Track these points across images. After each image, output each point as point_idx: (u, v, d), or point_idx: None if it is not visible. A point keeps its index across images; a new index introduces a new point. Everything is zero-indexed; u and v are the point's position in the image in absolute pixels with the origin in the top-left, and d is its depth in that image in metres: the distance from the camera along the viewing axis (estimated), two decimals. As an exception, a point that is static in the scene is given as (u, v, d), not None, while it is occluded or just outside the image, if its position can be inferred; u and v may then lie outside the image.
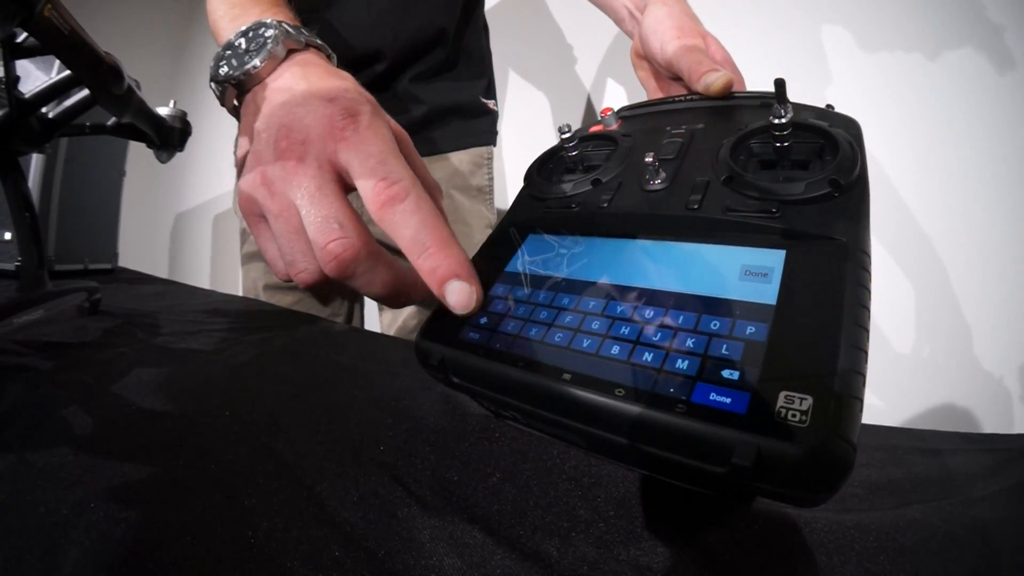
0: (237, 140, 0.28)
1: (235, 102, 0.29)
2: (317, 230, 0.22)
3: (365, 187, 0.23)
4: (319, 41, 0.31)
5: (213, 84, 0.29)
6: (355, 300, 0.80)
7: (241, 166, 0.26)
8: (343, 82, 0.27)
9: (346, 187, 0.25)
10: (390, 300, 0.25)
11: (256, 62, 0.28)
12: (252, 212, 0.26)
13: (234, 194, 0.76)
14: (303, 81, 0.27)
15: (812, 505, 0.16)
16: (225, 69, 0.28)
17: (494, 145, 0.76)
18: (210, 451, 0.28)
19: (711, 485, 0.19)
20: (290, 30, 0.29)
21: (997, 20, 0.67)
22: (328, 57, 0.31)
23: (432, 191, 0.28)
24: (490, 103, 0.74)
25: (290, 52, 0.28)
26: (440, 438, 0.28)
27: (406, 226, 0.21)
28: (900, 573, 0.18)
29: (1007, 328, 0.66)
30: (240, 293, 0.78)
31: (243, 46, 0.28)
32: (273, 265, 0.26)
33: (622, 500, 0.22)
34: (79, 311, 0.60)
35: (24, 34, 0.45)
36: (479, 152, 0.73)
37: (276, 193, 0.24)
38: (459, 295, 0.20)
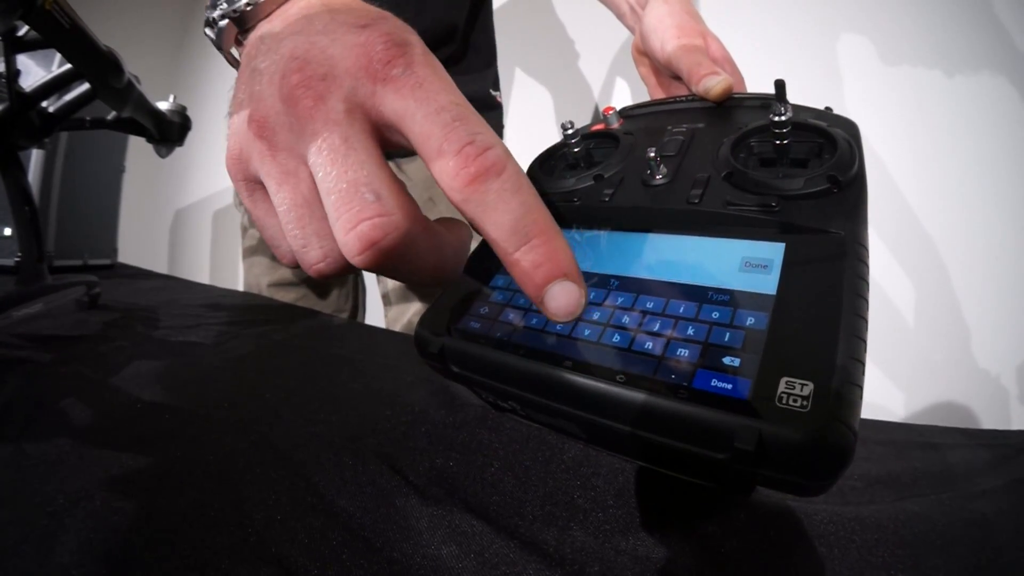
0: (233, 91, 0.21)
1: (235, 50, 0.24)
2: (341, 202, 0.16)
3: (441, 150, 0.16)
4: None
5: (207, 29, 0.24)
6: (358, 294, 0.79)
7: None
8: (375, 9, 0.21)
9: (383, 146, 0.18)
10: (427, 285, 0.20)
11: None
12: (245, 176, 0.20)
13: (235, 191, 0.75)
14: (322, 8, 0.20)
15: (813, 493, 0.16)
16: (224, 6, 0.22)
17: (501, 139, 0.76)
18: (208, 442, 0.28)
19: (711, 475, 0.19)
20: None
21: (999, 19, 0.67)
22: None
23: None
24: (497, 95, 0.74)
25: None
26: (438, 429, 0.28)
27: (505, 210, 0.16)
28: (900, 565, 0.18)
29: (1006, 327, 0.66)
30: (240, 289, 0.78)
31: None
32: (275, 247, 0.21)
33: (621, 490, 0.22)
34: (78, 305, 0.60)
35: (25, 27, 0.45)
36: None
37: (280, 148, 0.18)
38: (566, 299, 0.15)
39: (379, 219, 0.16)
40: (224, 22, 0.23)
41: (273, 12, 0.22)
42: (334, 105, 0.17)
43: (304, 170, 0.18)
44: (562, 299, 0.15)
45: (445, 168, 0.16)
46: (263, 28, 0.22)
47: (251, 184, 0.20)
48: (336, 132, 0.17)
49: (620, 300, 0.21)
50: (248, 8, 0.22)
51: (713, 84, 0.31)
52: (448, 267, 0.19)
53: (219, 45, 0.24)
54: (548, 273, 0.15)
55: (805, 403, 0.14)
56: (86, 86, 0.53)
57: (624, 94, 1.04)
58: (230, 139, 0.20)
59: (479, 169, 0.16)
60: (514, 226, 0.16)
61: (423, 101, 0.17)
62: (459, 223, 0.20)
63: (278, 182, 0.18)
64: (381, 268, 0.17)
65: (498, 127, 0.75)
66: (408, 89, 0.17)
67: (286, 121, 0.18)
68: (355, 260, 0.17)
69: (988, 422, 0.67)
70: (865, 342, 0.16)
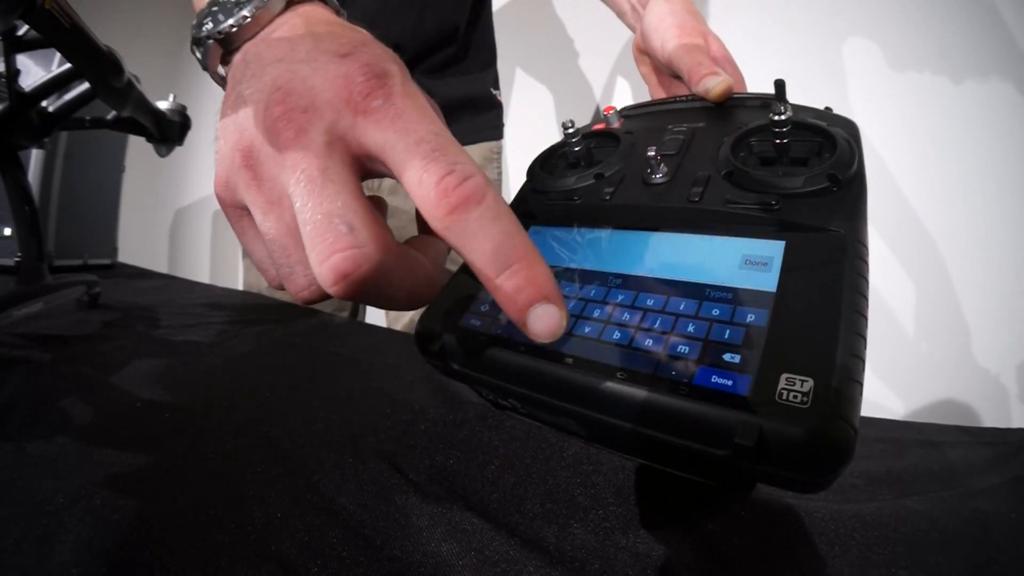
0: (220, 114, 0.21)
1: (221, 69, 0.24)
2: (316, 233, 0.17)
3: (421, 181, 0.17)
4: None
5: (195, 47, 0.24)
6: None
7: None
8: (358, 34, 0.21)
9: (363, 175, 0.19)
10: (403, 310, 0.20)
11: (246, 12, 0.22)
12: (232, 202, 0.20)
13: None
14: (306, 33, 0.21)
15: (814, 490, 0.16)
16: (209, 26, 0.23)
17: (501, 139, 0.76)
18: (208, 441, 0.28)
19: (712, 472, 0.19)
20: None
21: (1000, 19, 0.67)
22: (337, 12, 0.25)
23: None
24: (497, 95, 0.75)
25: (290, 4, 0.23)
26: (438, 427, 0.28)
27: (486, 237, 0.16)
28: (900, 563, 0.18)
29: (1006, 326, 0.66)
30: (240, 288, 0.78)
31: None
32: (263, 271, 0.21)
33: (621, 488, 0.22)
34: (78, 304, 0.60)
35: (25, 27, 0.45)
36: (488, 147, 0.74)
37: (263, 179, 0.18)
38: (548, 321, 0.16)
39: (351, 251, 0.16)
40: (210, 42, 0.23)
41: (258, 34, 0.22)
42: (314, 137, 0.17)
43: (288, 200, 0.18)
44: (544, 322, 0.16)
45: (426, 198, 0.17)
46: (248, 50, 0.22)
47: (238, 211, 0.20)
48: (314, 164, 0.17)
49: (621, 298, 0.21)
50: (233, 30, 0.22)
51: (713, 84, 0.31)
52: (422, 291, 0.20)
53: (205, 65, 0.24)
54: (530, 297, 0.16)
55: (805, 399, 0.14)
56: (86, 86, 0.53)
57: (625, 93, 1.04)
58: (217, 165, 0.20)
59: (459, 198, 0.16)
60: (495, 252, 0.16)
61: (403, 132, 0.17)
62: (435, 240, 0.21)
63: (263, 212, 0.19)
64: (355, 298, 0.17)
65: (499, 127, 0.75)
66: (388, 120, 0.17)
67: (269, 153, 0.18)
68: (330, 291, 0.17)
69: (988, 420, 0.67)
70: (865, 339, 0.16)
